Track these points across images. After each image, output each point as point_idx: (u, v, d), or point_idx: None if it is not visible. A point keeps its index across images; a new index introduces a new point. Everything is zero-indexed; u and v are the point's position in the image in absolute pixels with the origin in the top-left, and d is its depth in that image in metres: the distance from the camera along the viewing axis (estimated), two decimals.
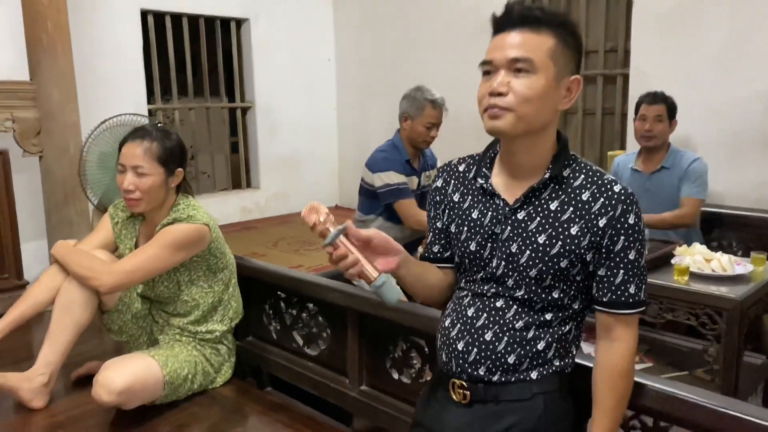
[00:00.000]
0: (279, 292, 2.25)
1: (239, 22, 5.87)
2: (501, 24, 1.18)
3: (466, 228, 1.27)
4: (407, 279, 1.27)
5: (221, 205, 5.68)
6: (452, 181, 1.33)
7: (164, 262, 1.96)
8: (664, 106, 2.98)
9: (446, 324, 1.29)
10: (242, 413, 1.99)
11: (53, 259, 2.04)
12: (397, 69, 5.74)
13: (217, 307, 2.11)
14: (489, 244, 1.23)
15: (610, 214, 1.15)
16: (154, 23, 5.26)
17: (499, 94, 1.14)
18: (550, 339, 1.21)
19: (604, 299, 1.19)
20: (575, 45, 1.18)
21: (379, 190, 2.81)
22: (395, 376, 1.86)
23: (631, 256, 1.16)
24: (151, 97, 5.32)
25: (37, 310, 2.01)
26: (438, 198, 1.35)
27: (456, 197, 1.31)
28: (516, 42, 1.14)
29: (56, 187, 3.46)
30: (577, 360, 1.26)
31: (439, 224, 1.35)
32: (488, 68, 1.17)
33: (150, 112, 5.23)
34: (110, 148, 3.26)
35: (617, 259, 1.17)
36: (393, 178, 2.79)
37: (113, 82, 4.67)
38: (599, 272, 1.18)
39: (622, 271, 1.17)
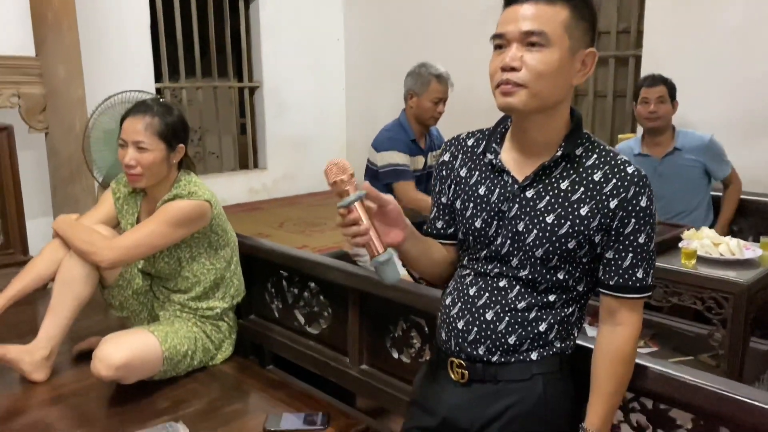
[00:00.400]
0: (281, 271, 2.24)
1: (248, 1, 5.83)
2: None
3: (471, 204, 1.24)
4: (411, 253, 1.25)
5: (229, 186, 5.68)
6: (460, 156, 1.29)
7: (165, 238, 1.95)
8: (665, 87, 2.95)
9: (447, 302, 1.27)
10: (242, 390, 1.99)
11: (55, 233, 2.04)
12: (407, 50, 5.67)
13: (219, 284, 2.11)
14: (495, 222, 1.20)
15: (622, 195, 1.12)
16: (162, 1, 5.23)
17: (512, 69, 1.10)
18: (552, 320, 1.19)
19: (611, 282, 1.16)
20: (590, 16, 1.14)
21: (380, 170, 2.79)
22: (395, 355, 1.85)
23: (641, 240, 1.14)
24: (158, 75, 5.30)
25: (38, 284, 2.02)
26: (444, 172, 1.31)
27: (463, 172, 1.27)
28: (529, 14, 1.10)
29: (62, 163, 3.47)
30: (577, 342, 1.25)
31: (444, 199, 1.32)
32: (500, 42, 1.13)
33: (157, 90, 5.21)
34: (115, 125, 3.24)
35: (626, 242, 1.14)
36: (395, 158, 2.77)
37: (120, 59, 4.66)
38: (607, 255, 1.16)
39: (630, 255, 1.14)
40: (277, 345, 2.24)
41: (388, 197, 1.15)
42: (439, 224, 1.34)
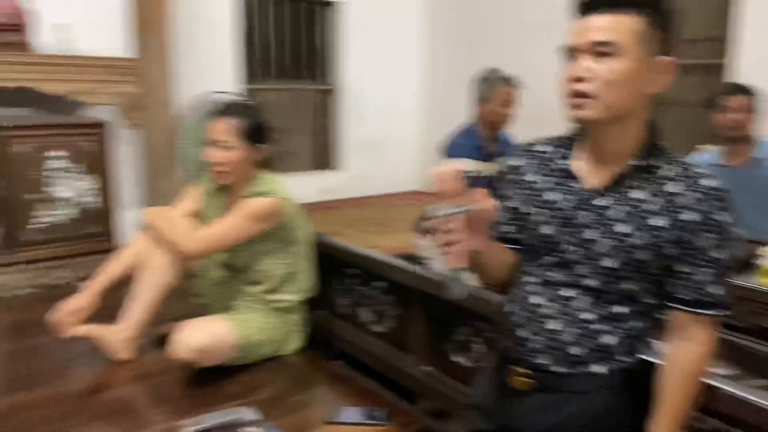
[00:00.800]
0: (351, 269, 2.30)
1: (333, 5, 5.97)
2: (585, 6, 1.13)
3: (540, 210, 1.22)
4: (484, 258, 1.24)
5: (304, 185, 5.82)
6: (530, 161, 1.28)
7: (243, 232, 2.06)
8: (746, 95, 2.81)
9: (510, 310, 1.28)
10: (307, 381, 2.07)
11: (143, 224, 2.20)
12: (487, 55, 5.64)
13: (290, 279, 2.20)
14: (563, 229, 1.19)
15: (699, 208, 1.09)
16: (249, 6, 5.46)
17: (583, 80, 1.10)
18: (618, 333, 1.17)
19: (682, 297, 1.14)
20: (666, 24, 1.12)
21: None
22: (457, 358, 1.87)
23: (717, 255, 1.11)
24: (244, 76, 5.51)
25: (126, 271, 2.17)
26: (513, 177, 1.30)
27: (533, 178, 1.26)
28: (600, 24, 1.09)
29: (153, 158, 3.70)
30: (644, 357, 1.21)
31: (511, 204, 1.30)
32: (571, 53, 1.13)
33: (242, 91, 5.43)
34: (202, 124, 3.42)
35: (702, 257, 1.11)
36: (466, 166, 2.76)
37: (210, 60, 4.87)
38: (681, 268, 1.13)
39: (705, 269, 1.11)
40: (342, 341, 2.31)
41: (488, 208, 1.15)
42: (506, 228, 1.32)
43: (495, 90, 2.80)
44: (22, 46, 3.30)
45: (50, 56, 3.35)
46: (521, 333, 1.23)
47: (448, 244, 1.11)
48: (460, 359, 1.86)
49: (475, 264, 1.25)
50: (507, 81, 2.83)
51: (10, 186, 3.15)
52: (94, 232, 3.38)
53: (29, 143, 3.21)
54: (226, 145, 2.06)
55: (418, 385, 1.99)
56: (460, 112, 3.12)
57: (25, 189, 3.20)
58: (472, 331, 1.81)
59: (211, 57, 4.88)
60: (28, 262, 3.17)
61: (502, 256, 1.31)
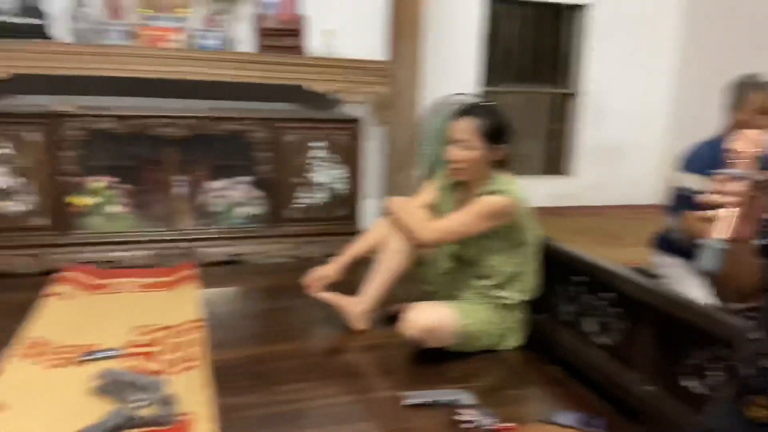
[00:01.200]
0: (579, 277, 2.27)
1: (580, 8, 5.83)
2: None
3: None
4: (741, 255, 1.13)
5: (534, 189, 5.76)
6: None
7: (474, 227, 2.17)
8: None
9: (751, 336, 1.19)
10: (523, 379, 2.11)
11: (386, 212, 2.43)
12: (751, 63, 5.06)
13: (516, 278, 2.26)
14: None
15: None
16: (502, 9, 5.59)
17: None
18: None
19: None
20: None
21: (676, 193, 2.57)
22: (688, 383, 1.76)
23: None
24: (484, 79, 5.66)
25: (368, 252, 2.43)
26: None
27: None
28: None
29: (396, 154, 4.00)
30: None
31: None
32: None
33: (481, 93, 5.57)
34: (442, 124, 3.62)
35: None
36: (686, 181, 2.48)
37: (453, 63, 5.10)
38: None
39: None
40: (561, 347, 2.29)
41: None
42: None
43: (748, 97, 2.47)
44: (297, 49, 3.81)
45: (318, 58, 3.80)
46: (764, 362, 1.14)
47: (721, 204, 1.04)
48: (691, 384, 1.75)
49: (731, 259, 1.13)
50: (759, 87, 2.46)
51: (279, 169, 3.66)
52: (341, 215, 3.78)
53: (297, 134, 3.70)
54: (467, 144, 2.18)
55: (638, 403, 1.91)
56: (713, 123, 2.84)
57: (291, 173, 3.69)
58: (709, 356, 1.69)
59: (454, 59, 5.10)
60: (286, 236, 3.67)
61: (755, 265, 1.21)
